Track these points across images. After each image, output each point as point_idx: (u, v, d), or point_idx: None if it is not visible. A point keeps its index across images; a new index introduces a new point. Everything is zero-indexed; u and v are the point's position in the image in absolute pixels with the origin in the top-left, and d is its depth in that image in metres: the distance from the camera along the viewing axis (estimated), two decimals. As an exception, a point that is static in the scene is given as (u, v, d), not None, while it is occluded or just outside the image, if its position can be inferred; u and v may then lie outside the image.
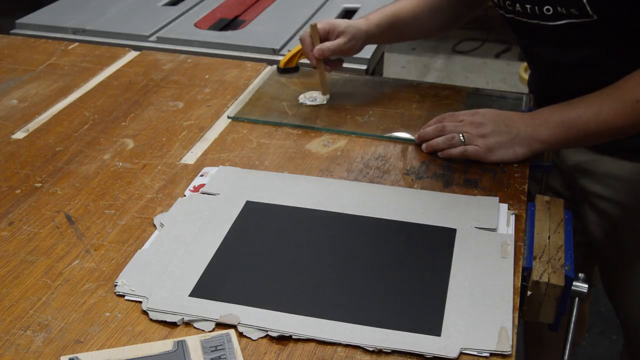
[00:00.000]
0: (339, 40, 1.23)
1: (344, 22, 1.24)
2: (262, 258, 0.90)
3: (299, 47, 1.42)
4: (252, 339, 0.78)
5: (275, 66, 1.44)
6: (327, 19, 1.26)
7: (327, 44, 1.23)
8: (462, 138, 1.09)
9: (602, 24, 1.01)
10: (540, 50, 1.15)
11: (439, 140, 1.11)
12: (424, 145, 1.13)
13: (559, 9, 1.02)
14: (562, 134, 1.05)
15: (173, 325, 0.80)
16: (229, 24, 1.80)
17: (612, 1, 0.98)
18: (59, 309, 0.82)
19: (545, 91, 1.23)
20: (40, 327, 0.80)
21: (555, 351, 1.09)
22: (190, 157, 1.13)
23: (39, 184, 1.05)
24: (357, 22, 1.26)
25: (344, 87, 1.37)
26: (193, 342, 0.76)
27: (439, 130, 1.11)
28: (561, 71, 1.14)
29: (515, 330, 0.79)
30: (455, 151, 1.09)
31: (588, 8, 0.99)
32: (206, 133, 1.20)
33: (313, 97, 1.30)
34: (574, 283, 0.90)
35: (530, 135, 1.06)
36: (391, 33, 1.29)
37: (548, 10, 1.04)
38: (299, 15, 1.81)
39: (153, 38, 1.69)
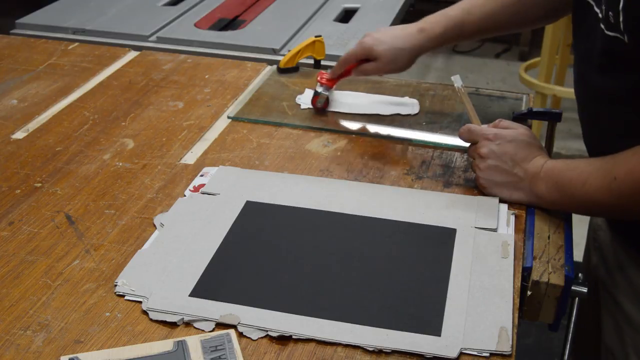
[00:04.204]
0: (373, 65, 1.21)
1: (382, 46, 1.18)
2: (262, 258, 0.90)
3: (299, 47, 1.43)
4: (252, 339, 0.78)
5: (275, 66, 1.44)
6: (370, 39, 1.20)
7: (365, 66, 1.22)
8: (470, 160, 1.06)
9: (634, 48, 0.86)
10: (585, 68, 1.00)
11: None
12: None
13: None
14: (557, 195, 0.96)
15: (173, 325, 0.80)
16: (229, 24, 1.80)
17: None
18: (59, 309, 0.82)
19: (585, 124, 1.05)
20: (40, 327, 0.80)
21: None
22: (190, 157, 1.13)
23: (39, 184, 1.05)
24: (403, 42, 1.18)
25: (343, 87, 1.36)
26: (193, 342, 0.76)
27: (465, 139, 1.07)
28: (600, 102, 0.98)
29: (515, 330, 0.79)
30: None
31: (621, 24, 0.85)
32: (206, 133, 1.20)
33: (409, 105, 1.27)
34: (574, 283, 0.90)
35: (529, 186, 0.98)
36: (459, 37, 1.22)
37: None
38: (299, 15, 1.81)
39: (153, 38, 1.69)
